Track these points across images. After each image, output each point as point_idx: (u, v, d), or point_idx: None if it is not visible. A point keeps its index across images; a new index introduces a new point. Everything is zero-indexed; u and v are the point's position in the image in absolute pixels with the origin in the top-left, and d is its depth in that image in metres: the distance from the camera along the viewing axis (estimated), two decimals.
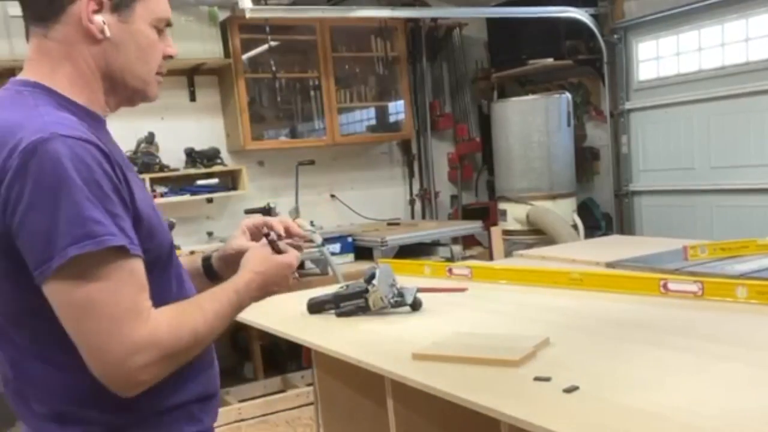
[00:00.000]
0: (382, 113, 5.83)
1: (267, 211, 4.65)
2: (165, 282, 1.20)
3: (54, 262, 0.99)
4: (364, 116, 5.83)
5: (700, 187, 4.86)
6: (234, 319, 1.24)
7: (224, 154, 5.03)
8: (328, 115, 5.21)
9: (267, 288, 1.28)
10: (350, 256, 4.63)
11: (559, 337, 1.77)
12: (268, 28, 4.81)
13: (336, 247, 4.54)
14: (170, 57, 1.25)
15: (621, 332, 1.87)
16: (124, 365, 1.03)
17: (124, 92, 1.21)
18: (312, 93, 5.26)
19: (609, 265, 2.60)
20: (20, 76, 1.17)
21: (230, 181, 5.03)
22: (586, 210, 5.53)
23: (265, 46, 4.93)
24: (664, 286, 2.16)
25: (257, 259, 1.29)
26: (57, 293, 1.01)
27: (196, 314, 1.14)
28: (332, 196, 5.55)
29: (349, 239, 4.69)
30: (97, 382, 1.05)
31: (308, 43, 5.15)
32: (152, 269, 1.12)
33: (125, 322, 1.03)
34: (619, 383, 1.47)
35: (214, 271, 1.44)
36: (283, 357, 4.61)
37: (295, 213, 4.74)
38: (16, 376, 1.14)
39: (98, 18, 1.12)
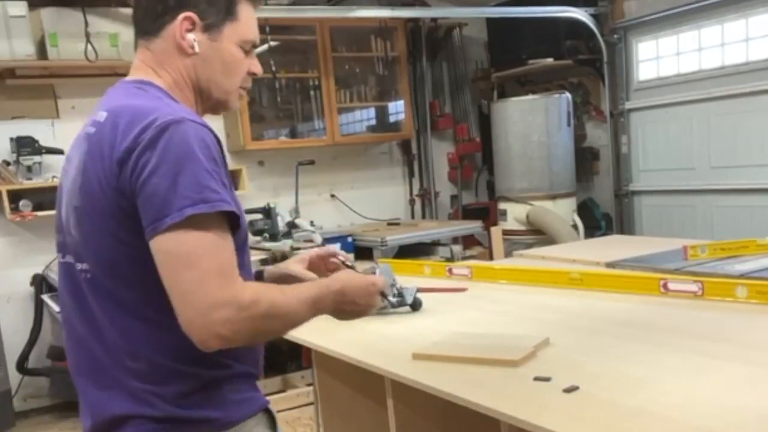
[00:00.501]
0: (382, 113, 5.83)
1: (267, 211, 4.66)
2: (239, 261, 1.28)
3: (170, 218, 1.11)
4: (364, 116, 5.83)
5: (700, 187, 4.86)
6: (312, 314, 1.29)
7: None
8: (328, 115, 5.21)
9: (348, 297, 1.34)
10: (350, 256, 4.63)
11: (559, 337, 1.78)
12: (268, 28, 4.81)
13: (336, 247, 4.54)
14: (254, 74, 1.40)
15: (621, 332, 1.87)
16: (207, 316, 1.12)
17: (209, 101, 1.37)
18: (312, 93, 5.26)
19: (609, 265, 2.60)
20: (128, 78, 1.35)
21: None
22: (586, 210, 5.53)
23: (265, 46, 4.93)
24: (664, 286, 2.17)
25: (344, 273, 1.42)
26: (164, 245, 1.13)
27: (276, 292, 1.24)
28: (332, 195, 5.56)
29: (349, 239, 4.69)
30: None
31: (308, 43, 5.15)
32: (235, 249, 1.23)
33: (217, 278, 1.13)
34: (619, 383, 1.47)
35: (263, 281, 1.54)
36: (283, 357, 4.61)
37: (295, 213, 4.74)
38: (113, 332, 1.23)
39: (190, 36, 1.30)
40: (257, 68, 1.40)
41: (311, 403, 2.50)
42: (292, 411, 4.02)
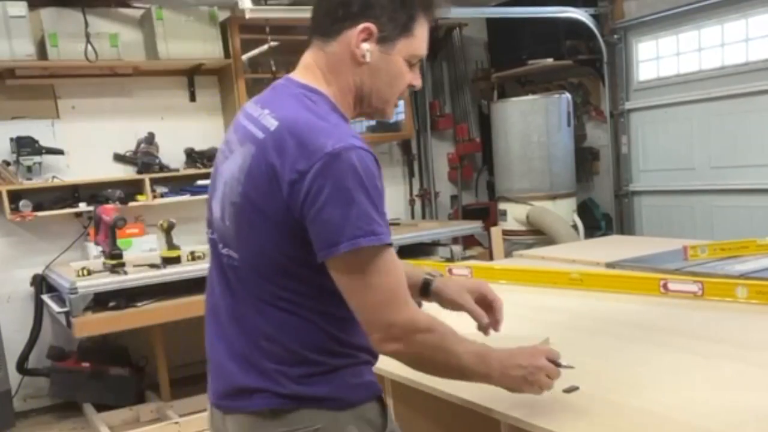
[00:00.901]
0: None
1: None
2: None
3: (343, 246, 1.20)
4: None
5: (700, 187, 4.87)
6: (479, 369, 1.32)
7: None
8: None
9: (512, 360, 1.34)
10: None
11: (559, 337, 1.78)
12: (268, 28, 4.81)
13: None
14: (413, 87, 1.44)
15: (621, 332, 1.87)
16: (386, 334, 1.25)
17: (367, 108, 1.42)
18: None
19: (609, 265, 2.60)
20: (297, 78, 1.38)
21: None
22: (586, 210, 5.53)
23: (265, 46, 4.93)
24: (664, 286, 2.17)
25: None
26: (341, 271, 1.24)
27: (449, 329, 1.31)
28: None
29: None
30: (331, 336, 1.31)
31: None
32: None
33: (393, 303, 1.25)
34: (619, 383, 1.47)
35: (428, 291, 1.60)
36: None
37: None
38: (252, 314, 1.33)
39: (365, 45, 1.33)
40: (418, 82, 1.43)
41: None
42: None
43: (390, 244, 1.25)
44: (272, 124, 1.28)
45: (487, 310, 1.56)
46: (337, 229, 1.20)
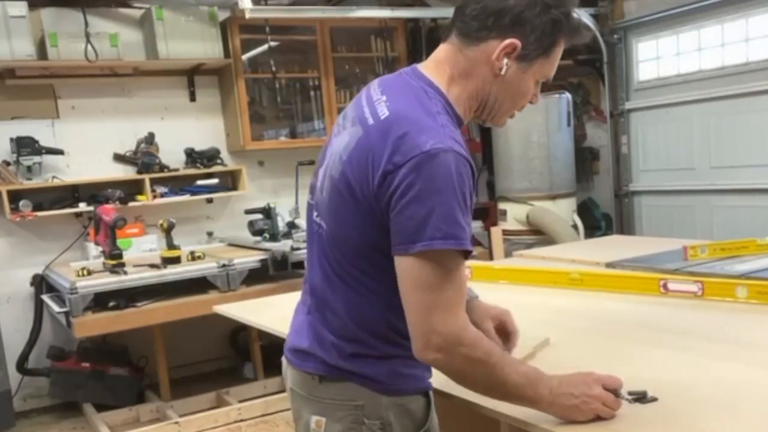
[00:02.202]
0: None
1: (267, 211, 4.65)
2: None
3: (418, 245, 1.22)
4: None
5: (699, 187, 4.87)
6: (528, 391, 1.28)
7: (224, 154, 5.03)
8: (328, 115, 5.21)
9: (563, 388, 1.29)
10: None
11: (559, 337, 1.78)
12: (268, 28, 4.81)
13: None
14: (532, 103, 1.45)
15: (621, 332, 1.87)
16: (427, 339, 1.26)
17: (485, 116, 1.43)
18: (312, 93, 5.26)
19: (609, 265, 2.60)
20: (423, 71, 1.39)
21: (230, 181, 5.03)
22: (586, 210, 5.53)
23: (265, 46, 4.93)
24: (664, 286, 2.17)
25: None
26: (408, 267, 1.25)
27: (497, 350, 1.31)
28: None
29: None
30: (389, 324, 1.35)
31: (308, 43, 5.15)
32: None
33: (443, 309, 1.25)
34: None
35: None
36: None
37: (295, 213, 4.74)
38: (324, 284, 1.40)
39: (505, 59, 1.33)
40: (536, 99, 1.44)
41: None
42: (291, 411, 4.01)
43: (465, 252, 1.25)
44: (384, 113, 1.31)
45: (504, 339, 1.60)
46: (418, 227, 1.21)
